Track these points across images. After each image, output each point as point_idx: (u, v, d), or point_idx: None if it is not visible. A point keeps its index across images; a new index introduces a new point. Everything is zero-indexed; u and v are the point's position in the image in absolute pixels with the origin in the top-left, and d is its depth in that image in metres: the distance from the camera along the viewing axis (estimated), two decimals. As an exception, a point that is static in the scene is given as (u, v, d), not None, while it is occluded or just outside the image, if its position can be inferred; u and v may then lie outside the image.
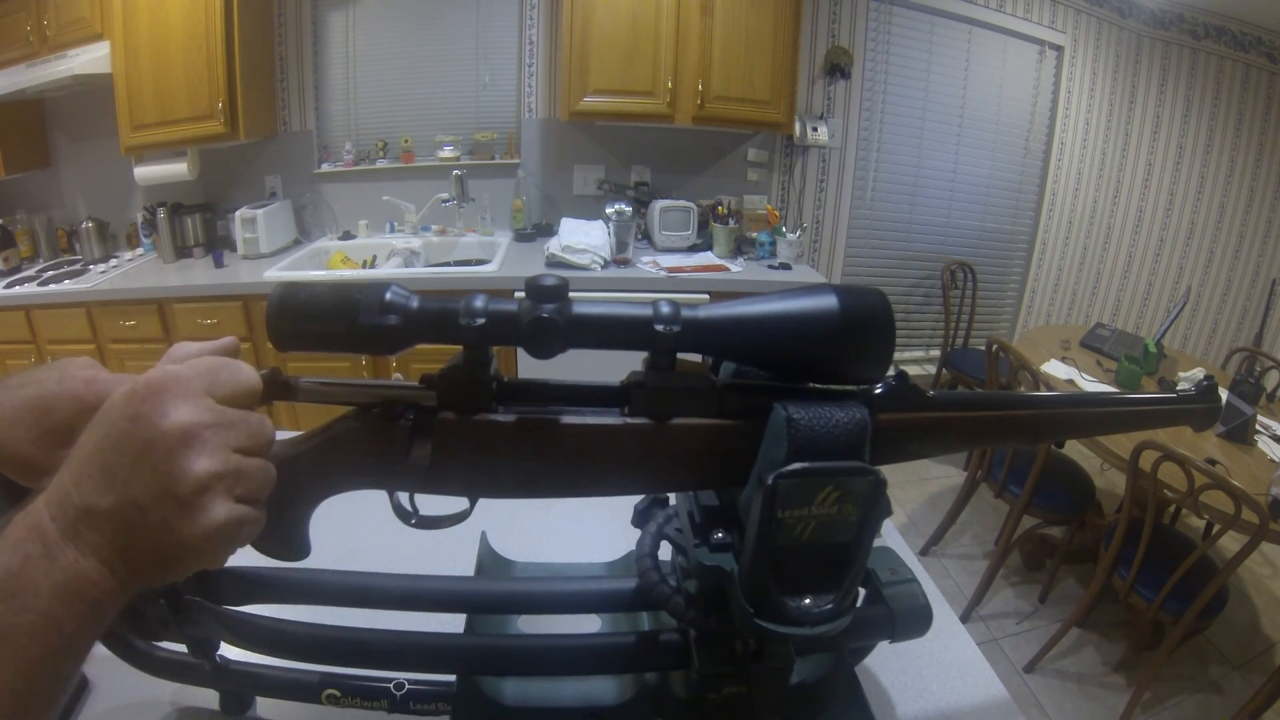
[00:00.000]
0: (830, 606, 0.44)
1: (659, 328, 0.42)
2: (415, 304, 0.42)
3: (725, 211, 2.89)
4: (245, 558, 0.50)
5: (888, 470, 0.43)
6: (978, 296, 3.33)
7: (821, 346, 0.43)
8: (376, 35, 2.87)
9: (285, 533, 0.46)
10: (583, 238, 2.58)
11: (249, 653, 0.56)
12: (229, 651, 0.58)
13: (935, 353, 3.52)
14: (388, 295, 0.42)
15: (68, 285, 2.46)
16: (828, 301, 0.43)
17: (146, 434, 0.31)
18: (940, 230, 3.50)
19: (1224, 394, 1.98)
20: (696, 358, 0.47)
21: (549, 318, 0.40)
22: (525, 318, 0.41)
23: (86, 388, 0.44)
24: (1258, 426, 2.00)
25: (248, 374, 0.37)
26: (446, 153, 2.91)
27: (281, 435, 0.51)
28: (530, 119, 2.97)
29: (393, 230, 2.98)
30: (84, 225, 2.76)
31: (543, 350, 0.41)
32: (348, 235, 2.96)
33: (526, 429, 0.45)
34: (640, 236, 2.89)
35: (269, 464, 0.37)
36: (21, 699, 0.29)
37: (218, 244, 2.79)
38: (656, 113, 2.64)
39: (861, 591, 0.59)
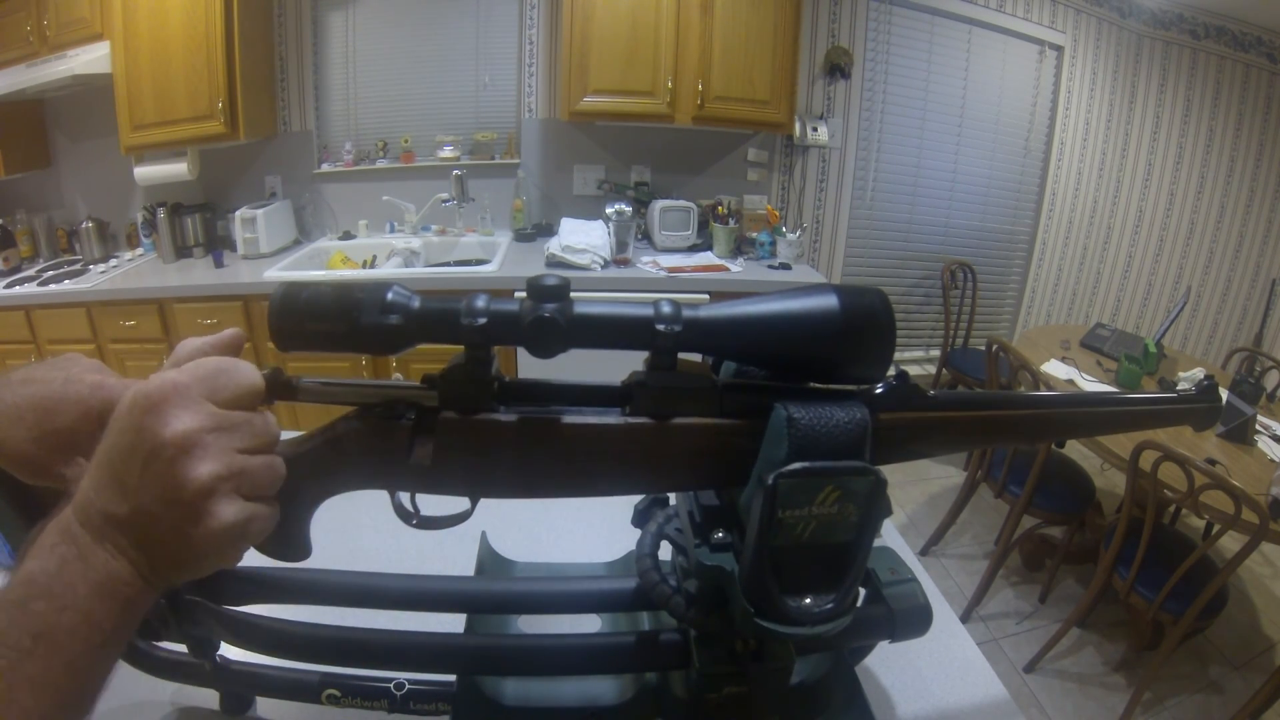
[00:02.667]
0: (830, 606, 0.44)
1: (660, 327, 0.42)
2: (417, 304, 0.42)
3: (725, 211, 2.89)
4: (246, 558, 0.50)
5: (888, 470, 0.43)
6: (978, 296, 3.33)
7: (822, 346, 0.43)
8: (376, 35, 2.87)
9: (286, 533, 0.46)
10: (583, 238, 2.58)
11: (249, 653, 0.56)
12: (229, 651, 0.58)
13: (935, 353, 3.52)
14: (389, 295, 0.42)
15: (68, 285, 2.46)
16: (829, 301, 0.43)
17: (149, 445, 0.32)
18: (940, 230, 3.50)
19: (1224, 394, 1.98)
20: (697, 357, 0.47)
21: (550, 317, 0.40)
22: (527, 317, 0.41)
23: (92, 393, 0.44)
24: (1258, 426, 2.00)
25: (249, 374, 0.37)
26: (446, 153, 2.91)
27: (282, 435, 0.51)
28: (530, 119, 2.97)
29: (393, 230, 2.98)
30: (84, 225, 2.76)
31: (544, 350, 0.41)
32: (348, 235, 2.96)
33: (528, 428, 0.45)
34: (640, 236, 2.89)
35: (276, 459, 0.37)
36: (67, 695, 0.30)
37: (218, 244, 2.79)
38: (656, 113, 2.64)
39: (861, 591, 0.59)
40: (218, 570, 0.35)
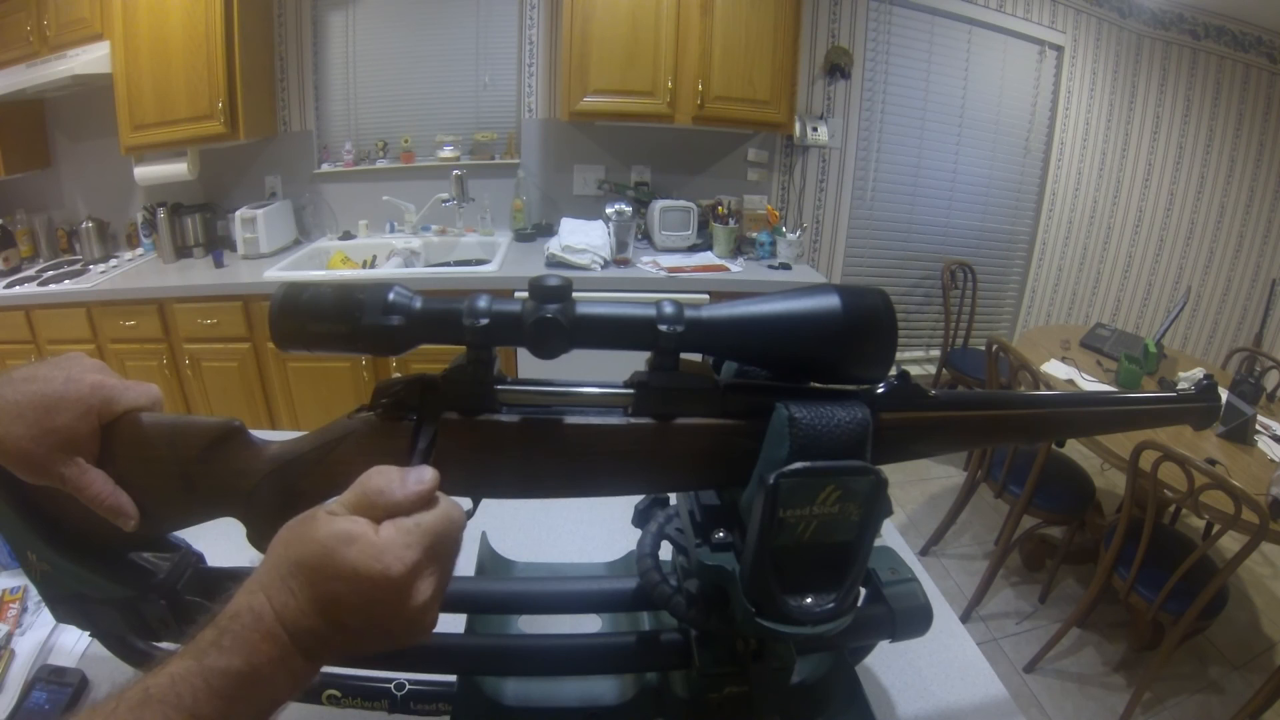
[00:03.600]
0: (831, 606, 0.44)
1: (663, 328, 0.42)
2: (418, 304, 0.42)
3: (725, 211, 2.89)
4: (246, 558, 0.50)
5: (888, 470, 0.43)
6: (978, 296, 3.33)
7: (824, 346, 0.44)
8: (376, 35, 2.87)
9: (287, 533, 0.46)
10: (583, 238, 2.58)
11: (250, 652, 0.56)
12: (230, 651, 0.57)
13: (935, 353, 3.52)
14: (391, 295, 0.42)
15: (68, 285, 2.46)
16: (830, 301, 0.43)
17: (393, 620, 0.35)
18: (940, 230, 3.50)
19: (1224, 394, 1.98)
20: (698, 357, 0.47)
21: (553, 318, 0.40)
22: (529, 318, 0.41)
23: (93, 392, 0.44)
24: (1258, 426, 2.00)
25: (462, 525, 0.39)
26: (446, 153, 2.91)
27: (283, 435, 0.51)
28: (530, 119, 2.97)
29: (393, 230, 2.98)
30: (84, 225, 2.76)
31: (547, 350, 0.41)
32: (348, 235, 2.96)
33: (530, 429, 0.45)
34: (640, 236, 2.89)
35: (458, 536, 0.39)
36: None
37: (218, 244, 2.79)
38: (656, 113, 2.64)
39: (862, 591, 0.59)
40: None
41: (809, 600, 0.43)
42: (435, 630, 0.57)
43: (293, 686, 0.34)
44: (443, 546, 0.37)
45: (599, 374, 0.48)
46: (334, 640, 0.34)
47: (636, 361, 0.47)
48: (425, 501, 0.37)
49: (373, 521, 0.35)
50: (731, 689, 0.53)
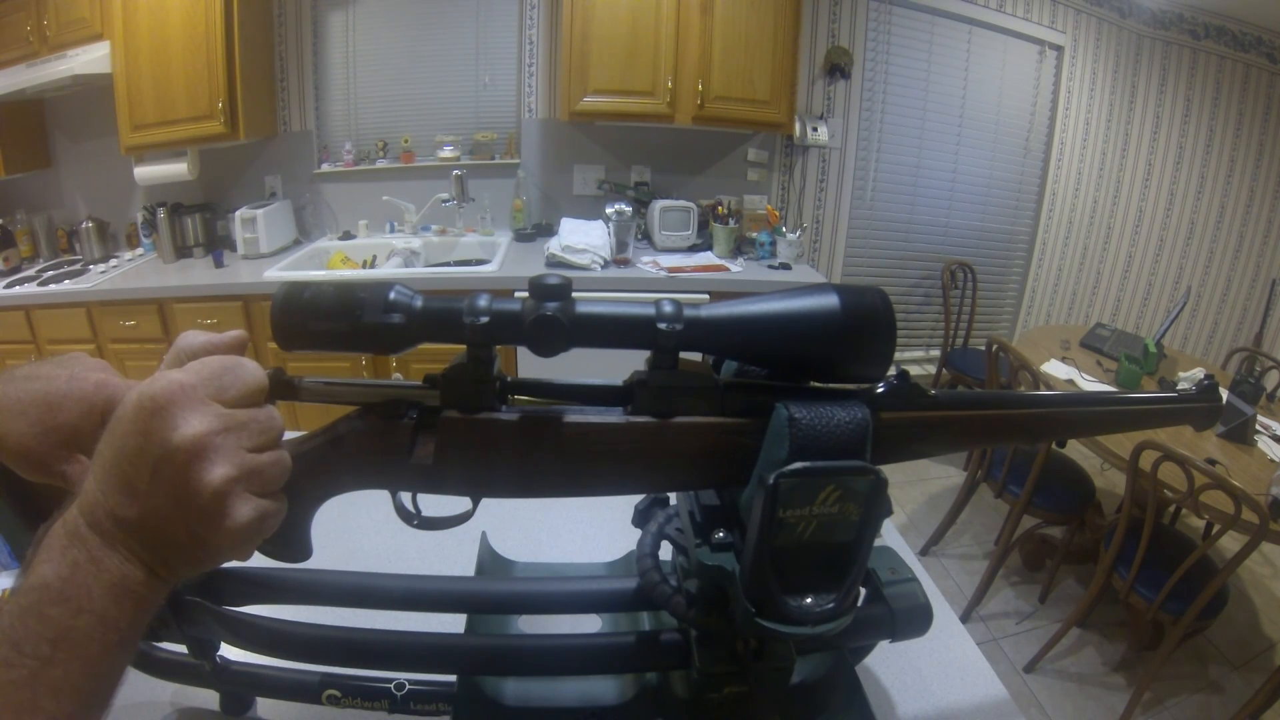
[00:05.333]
0: (831, 606, 0.44)
1: (662, 326, 0.42)
2: (419, 303, 0.42)
3: (725, 211, 2.89)
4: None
5: (888, 470, 0.43)
6: (978, 296, 3.33)
7: (823, 345, 0.43)
8: (376, 35, 2.87)
9: (287, 534, 0.46)
10: (583, 238, 2.58)
11: (249, 653, 0.56)
12: (229, 651, 0.58)
13: (935, 352, 3.52)
14: (392, 294, 0.42)
15: (68, 285, 2.46)
16: (830, 301, 0.43)
17: (159, 449, 0.32)
18: (940, 230, 3.50)
19: (1224, 394, 1.98)
20: (698, 356, 0.47)
21: (553, 316, 0.40)
22: (529, 316, 0.41)
23: (96, 390, 0.44)
24: (1258, 426, 2.00)
25: (254, 373, 0.37)
26: (446, 153, 2.91)
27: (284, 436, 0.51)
28: (530, 119, 2.97)
29: (393, 230, 2.98)
30: (84, 225, 2.76)
31: (546, 349, 0.41)
32: (348, 235, 2.96)
33: (530, 428, 0.45)
34: (640, 236, 2.89)
35: (283, 454, 0.37)
36: (88, 696, 0.31)
37: (218, 244, 2.79)
38: (656, 113, 2.64)
39: (862, 591, 0.59)
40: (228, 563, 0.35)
41: (809, 600, 0.43)
42: (435, 630, 0.57)
43: (113, 591, 0.31)
44: (223, 379, 0.34)
45: (599, 373, 0.48)
46: (128, 512, 0.31)
47: (636, 361, 0.47)
48: (220, 346, 0.38)
49: None
50: (731, 689, 0.53)
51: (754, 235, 2.85)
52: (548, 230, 2.93)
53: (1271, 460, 1.88)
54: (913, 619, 0.58)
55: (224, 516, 0.33)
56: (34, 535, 0.42)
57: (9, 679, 0.29)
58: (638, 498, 0.57)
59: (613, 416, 0.45)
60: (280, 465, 0.37)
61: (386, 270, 2.69)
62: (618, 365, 0.46)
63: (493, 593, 0.62)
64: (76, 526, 0.32)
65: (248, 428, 0.35)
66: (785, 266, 2.72)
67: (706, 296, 2.44)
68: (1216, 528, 1.62)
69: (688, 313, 0.43)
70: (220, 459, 0.33)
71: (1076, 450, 2.59)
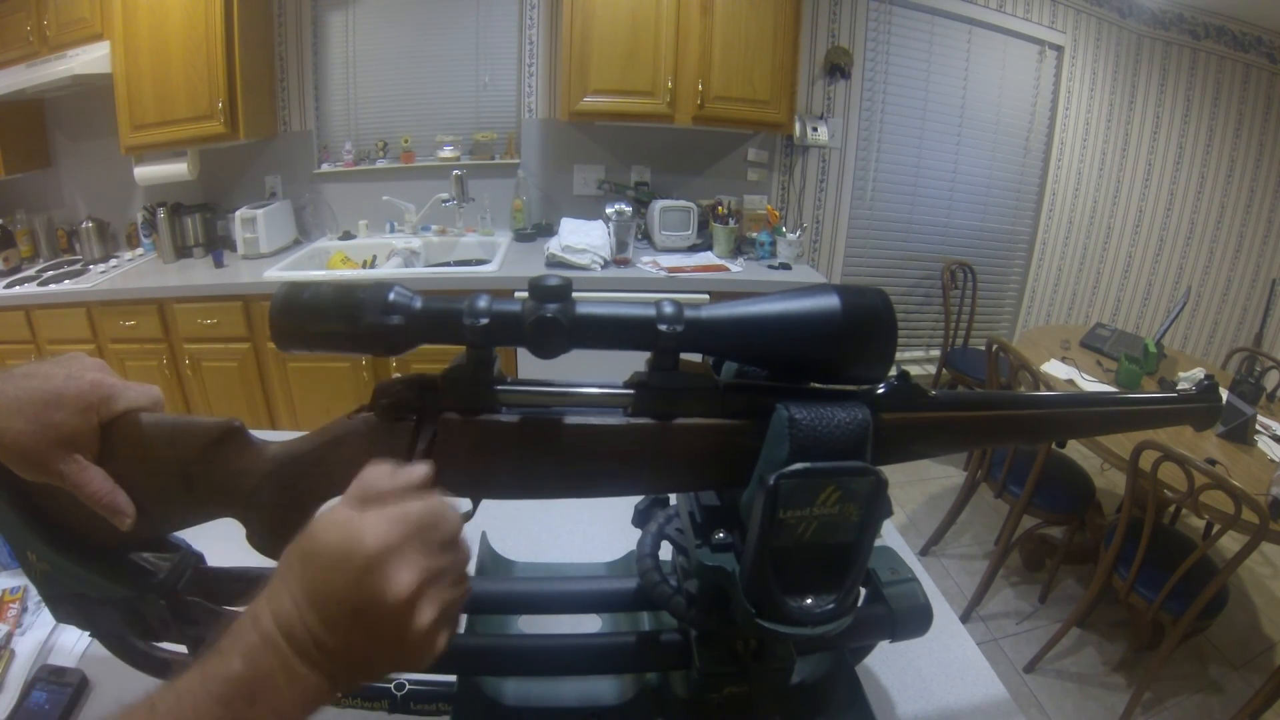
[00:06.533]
0: (832, 606, 0.44)
1: (662, 327, 0.42)
2: (419, 304, 0.42)
3: (725, 211, 2.89)
4: (246, 558, 0.50)
5: (888, 470, 0.43)
6: (978, 296, 3.33)
7: (824, 346, 0.44)
8: (376, 35, 2.87)
9: (287, 535, 0.46)
10: (583, 238, 2.58)
11: (250, 653, 0.56)
12: (230, 651, 0.57)
13: (935, 353, 3.52)
14: (391, 295, 0.42)
15: (68, 285, 2.46)
16: (830, 301, 0.43)
17: (369, 601, 0.33)
18: (940, 230, 3.50)
19: (1224, 394, 1.98)
20: (698, 357, 0.47)
21: (553, 317, 0.40)
22: (529, 318, 0.41)
23: (92, 389, 0.44)
24: (1258, 426, 2.00)
25: (456, 523, 0.38)
26: (446, 153, 2.91)
27: (283, 436, 0.51)
28: (530, 119, 2.97)
29: (393, 230, 2.98)
30: (84, 225, 2.75)
31: (547, 350, 0.41)
32: (348, 235, 2.96)
33: (530, 429, 0.45)
34: (640, 236, 2.89)
35: (469, 586, 0.39)
36: None
37: (218, 244, 2.78)
38: (656, 113, 2.64)
39: (862, 591, 0.59)
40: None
41: (809, 601, 0.43)
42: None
43: (300, 701, 0.33)
44: (429, 534, 0.36)
45: (599, 374, 0.48)
46: (328, 641, 0.33)
47: (636, 361, 0.47)
48: (413, 493, 0.37)
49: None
50: (731, 689, 0.53)
51: (754, 235, 2.85)
52: (548, 230, 2.93)
53: (1271, 460, 1.88)
54: (913, 619, 0.58)
55: (427, 648, 0.36)
56: (44, 538, 0.42)
57: None
58: (638, 498, 0.57)
59: (613, 418, 0.45)
60: (468, 596, 0.39)
61: (386, 270, 2.69)
62: (618, 366, 0.46)
63: (493, 593, 0.62)
64: (271, 635, 0.33)
65: (450, 573, 0.37)
66: (785, 266, 2.71)
67: (706, 297, 2.44)
68: (1216, 528, 1.62)
69: (688, 314, 0.43)
70: (427, 604, 0.35)
71: (1076, 450, 2.59)
